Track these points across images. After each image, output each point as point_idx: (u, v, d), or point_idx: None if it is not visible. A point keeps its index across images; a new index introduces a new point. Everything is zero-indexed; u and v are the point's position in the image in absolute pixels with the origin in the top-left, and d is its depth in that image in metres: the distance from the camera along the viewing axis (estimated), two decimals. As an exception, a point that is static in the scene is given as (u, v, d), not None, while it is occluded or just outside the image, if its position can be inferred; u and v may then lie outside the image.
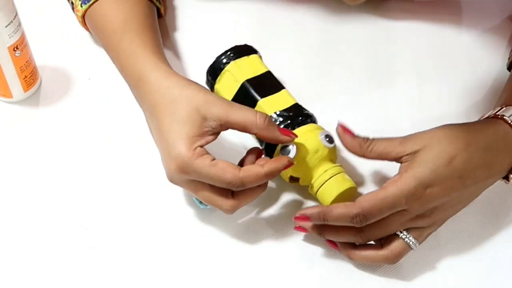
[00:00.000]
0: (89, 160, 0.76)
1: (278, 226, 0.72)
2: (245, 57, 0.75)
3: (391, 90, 0.83)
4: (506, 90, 0.74)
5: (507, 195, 0.73)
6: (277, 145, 0.70)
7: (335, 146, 0.70)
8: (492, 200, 0.73)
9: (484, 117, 0.70)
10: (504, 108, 0.68)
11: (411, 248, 0.66)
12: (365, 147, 0.67)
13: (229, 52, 0.75)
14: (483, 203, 0.72)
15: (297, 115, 0.72)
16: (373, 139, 0.67)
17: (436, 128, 0.67)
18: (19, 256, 0.69)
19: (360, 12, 0.89)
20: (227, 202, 0.66)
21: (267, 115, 0.66)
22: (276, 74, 0.76)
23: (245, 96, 0.73)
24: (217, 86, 0.75)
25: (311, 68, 0.84)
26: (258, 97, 0.73)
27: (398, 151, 0.66)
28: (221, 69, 0.75)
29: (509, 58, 0.81)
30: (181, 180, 0.66)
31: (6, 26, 0.73)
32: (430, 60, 0.86)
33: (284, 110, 0.72)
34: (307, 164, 0.69)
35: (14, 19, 0.74)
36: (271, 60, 0.77)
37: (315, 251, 0.70)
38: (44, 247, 0.70)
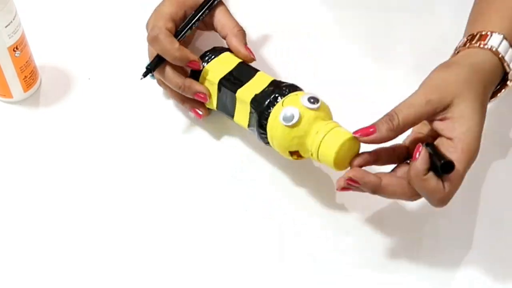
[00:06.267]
0: (89, 160, 0.76)
1: (279, 225, 0.72)
2: (215, 59, 0.75)
3: (390, 74, 0.82)
4: (478, 13, 0.70)
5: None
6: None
7: (321, 104, 0.68)
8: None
9: (471, 47, 0.66)
10: (489, 36, 0.65)
11: None
12: (394, 127, 0.63)
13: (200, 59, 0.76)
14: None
15: (280, 87, 0.71)
16: (392, 115, 0.63)
17: (440, 71, 0.65)
18: (19, 256, 0.70)
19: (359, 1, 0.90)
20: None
21: (243, 30, 0.74)
22: (273, 63, 0.75)
23: (225, 94, 0.74)
24: None
25: (309, 58, 0.84)
26: (235, 89, 0.73)
27: (429, 112, 0.62)
28: (197, 78, 0.75)
29: None
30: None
31: (6, 26, 0.73)
32: (428, 45, 0.85)
33: (264, 89, 0.71)
34: (299, 133, 0.68)
35: (14, 19, 0.74)
36: (268, 49, 0.77)
37: (316, 251, 0.70)
38: (43, 247, 0.70)
